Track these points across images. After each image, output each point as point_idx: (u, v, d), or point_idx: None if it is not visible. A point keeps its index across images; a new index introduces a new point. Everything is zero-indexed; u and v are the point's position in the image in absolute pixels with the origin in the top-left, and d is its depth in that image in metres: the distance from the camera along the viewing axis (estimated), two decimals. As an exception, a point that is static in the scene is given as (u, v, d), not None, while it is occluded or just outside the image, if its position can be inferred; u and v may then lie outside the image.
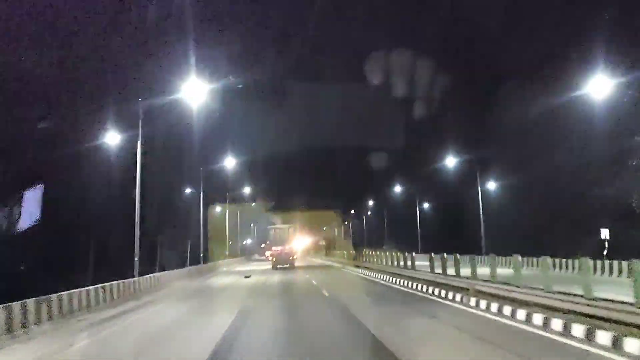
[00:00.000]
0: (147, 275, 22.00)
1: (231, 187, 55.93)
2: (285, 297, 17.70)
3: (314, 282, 23.80)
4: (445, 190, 46.58)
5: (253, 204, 73.10)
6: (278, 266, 38.36)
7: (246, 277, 28.28)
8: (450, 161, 39.62)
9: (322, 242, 74.10)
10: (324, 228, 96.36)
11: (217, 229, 51.72)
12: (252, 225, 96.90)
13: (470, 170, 37.54)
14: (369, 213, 78.53)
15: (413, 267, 21.44)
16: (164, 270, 30.58)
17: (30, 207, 25.57)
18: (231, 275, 32.81)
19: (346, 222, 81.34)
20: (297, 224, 51.34)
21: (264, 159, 58.21)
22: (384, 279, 22.80)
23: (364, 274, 27.85)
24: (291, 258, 39.61)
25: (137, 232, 20.74)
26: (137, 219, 21.06)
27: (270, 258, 41.80)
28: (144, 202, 22.58)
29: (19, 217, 26.23)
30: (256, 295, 18.85)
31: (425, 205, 57.15)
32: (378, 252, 31.58)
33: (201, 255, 37.39)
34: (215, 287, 24.65)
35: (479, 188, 36.47)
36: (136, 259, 20.44)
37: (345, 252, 45.66)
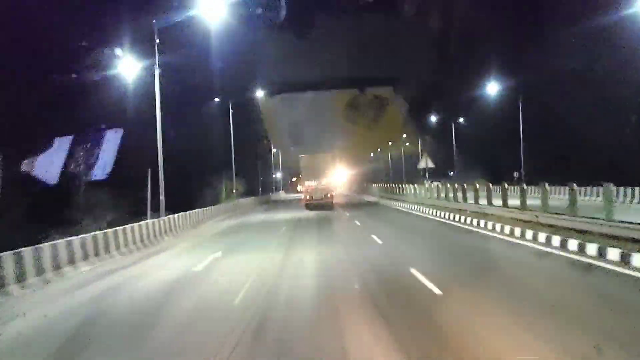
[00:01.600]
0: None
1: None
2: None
3: None
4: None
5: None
6: (313, 204, 33.43)
7: None
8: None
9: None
10: (372, 154, 77.08)
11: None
12: (274, 150, 73.16)
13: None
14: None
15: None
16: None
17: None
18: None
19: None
20: (335, 152, 42.43)
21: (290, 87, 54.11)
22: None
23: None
24: (328, 195, 34.15)
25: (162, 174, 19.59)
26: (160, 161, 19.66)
27: (304, 195, 35.93)
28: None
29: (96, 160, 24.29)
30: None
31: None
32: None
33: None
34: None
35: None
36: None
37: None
